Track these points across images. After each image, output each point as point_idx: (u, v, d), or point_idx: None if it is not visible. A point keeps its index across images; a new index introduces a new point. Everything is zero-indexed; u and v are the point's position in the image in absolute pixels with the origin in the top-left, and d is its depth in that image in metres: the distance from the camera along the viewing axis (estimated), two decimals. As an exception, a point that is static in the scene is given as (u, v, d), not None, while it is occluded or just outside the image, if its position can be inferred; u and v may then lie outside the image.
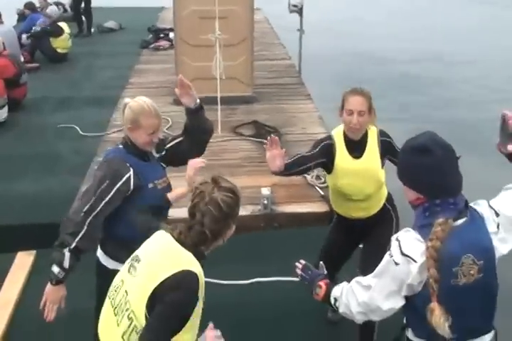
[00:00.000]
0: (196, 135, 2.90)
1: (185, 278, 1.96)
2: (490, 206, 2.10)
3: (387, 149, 3.17)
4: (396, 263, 1.97)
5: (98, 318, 2.23)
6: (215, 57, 6.60)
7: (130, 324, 1.99)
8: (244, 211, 5.09)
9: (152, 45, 11.09)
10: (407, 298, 2.03)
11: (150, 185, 2.72)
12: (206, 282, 4.29)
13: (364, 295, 2.08)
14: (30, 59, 9.91)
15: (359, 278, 2.15)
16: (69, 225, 2.62)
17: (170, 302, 1.92)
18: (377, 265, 2.08)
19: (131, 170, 2.67)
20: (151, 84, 8.54)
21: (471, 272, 1.98)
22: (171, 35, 10.30)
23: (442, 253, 1.91)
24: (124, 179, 2.64)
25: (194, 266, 2.01)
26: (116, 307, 2.06)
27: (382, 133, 3.20)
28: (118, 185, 2.64)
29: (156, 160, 2.87)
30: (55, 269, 2.61)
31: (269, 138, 2.95)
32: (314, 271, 2.38)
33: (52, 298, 2.66)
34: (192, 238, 2.04)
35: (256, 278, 4.27)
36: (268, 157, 2.96)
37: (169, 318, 1.92)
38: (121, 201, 2.67)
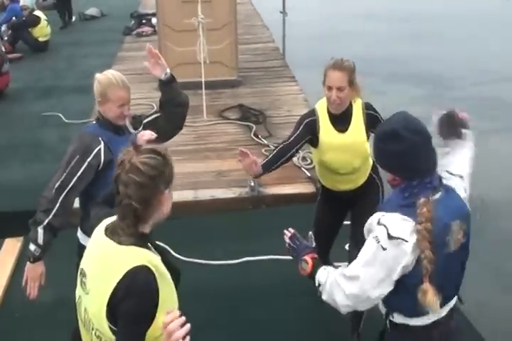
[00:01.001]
0: (172, 108, 2.87)
1: (133, 280, 1.76)
2: (452, 174, 2.15)
3: (372, 123, 3.10)
4: (384, 248, 1.93)
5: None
6: (199, 41, 6.55)
7: None
8: (231, 193, 5.11)
9: (135, 32, 10.98)
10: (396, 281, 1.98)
11: None
12: (195, 263, 4.29)
13: (352, 287, 1.98)
14: (12, 49, 9.82)
15: (343, 270, 2.05)
16: (42, 202, 2.62)
17: (127, 313, 1.76)
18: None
19: (102, 143, 2.65)
20: (134, 70, 8.45)
21: (459, 237, 2.00)
22: (154, 20, 10.21)
23: (434, 225, 1.90)
24: (94, 152, 2.63)
25: (139, 258, 1.80)
26: (84, 324, 1.97)
27: (367, 106, 3.16)
28: (89, 159, 2.62)
29: (134, 136, 2.84)
30: (32, 247, 2.63)
31: (239, 150, 2.97)
32: (303, 242, 2.29)
33: (31, 275, 2.68)
34: (130, 221, 1.81)
35: (245, 257, 4.27)
36: (243, 166, 3.00)
37: (134, 329, 1.78)
38: (93, 175, 2.65)
